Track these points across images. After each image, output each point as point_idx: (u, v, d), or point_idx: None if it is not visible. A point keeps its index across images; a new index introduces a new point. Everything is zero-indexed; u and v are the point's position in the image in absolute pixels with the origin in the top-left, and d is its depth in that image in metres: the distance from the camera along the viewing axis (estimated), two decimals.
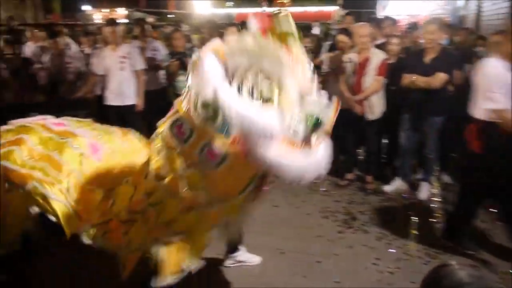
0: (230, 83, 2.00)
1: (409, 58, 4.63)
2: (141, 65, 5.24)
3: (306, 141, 2.04)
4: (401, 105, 4.58)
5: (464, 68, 4.89)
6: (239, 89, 1.99)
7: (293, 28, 2.07)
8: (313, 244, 3.67)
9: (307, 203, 4.52)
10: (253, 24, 2.10)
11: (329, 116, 2.10)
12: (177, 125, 2.19)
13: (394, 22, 5.84)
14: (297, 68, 2.07)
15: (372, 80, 4.55)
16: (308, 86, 2.10)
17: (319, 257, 3.46)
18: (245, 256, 3.37)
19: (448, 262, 1.06)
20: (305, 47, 5.21)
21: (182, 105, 2.17)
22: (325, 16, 18.70)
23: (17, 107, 5.56)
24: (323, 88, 4.94)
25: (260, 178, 2.24)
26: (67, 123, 2.97)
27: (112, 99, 5.19)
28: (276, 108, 1.97)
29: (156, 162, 2.30)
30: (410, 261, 3.42)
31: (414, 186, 4.84)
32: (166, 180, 2.25)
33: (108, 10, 21.24)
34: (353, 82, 4.64)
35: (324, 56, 5.29)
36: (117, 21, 6.27)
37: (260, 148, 1.93)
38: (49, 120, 2.98)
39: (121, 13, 20.52)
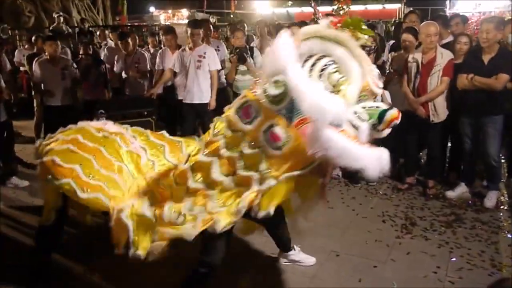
0: (302, 65, 2.02)
1: (467, 58, 4.41)
2: (216, 65, 5.41)
3: (367, 137, 2.06)
4: (460, 108, 4.39)
5: None
6: (310, 72, 2.02)
7: (363, 26, 2.13)
8: (370, 248, 3.59)
9: (364, 206, 4.43)
10: (325, 21, 2.16)
11: (391, 116, 2.09)
12: (244, 107, 2.29)
13: (463, 20, 5.54)
14: (367, 64, 2.10)
15: (437, 81, 4.37)
16: (375, 84, 2.13)
17: (375, 262, 3.38)
18: (300, 256, 3.37)
19: (506, 277, 1.02)
20: (368, 47, 5.14)
21: (251, 91, 2.28)
22: (388, 14, 18.16)
23: (87, 104, 5.92)
24: (385, 89, 4.91)
25: (318, 166, 2.23)
26: (124, 131, 3.17)
27: (188, 97, 5.41)
28: (343, 98, 1.98)
29: (214, 144, 2.38)
30: (474, 271, 3.26)
31: (479, 193, 4.61)
32: (224, 157, 2.32)
33: (171, 11, 21.96)
34: (417, 83, 4.48)
35: (388, 55, 5.14)
36: (177, 25, 6.51)
37: (323, 135, 1.92)
38: (109, 125, 3.20)
39: (184, 14, 21.15)
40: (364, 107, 2.12)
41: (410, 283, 3.11)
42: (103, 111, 5.24)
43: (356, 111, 2.07)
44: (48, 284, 3.12)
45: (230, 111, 2.37)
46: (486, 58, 4.17)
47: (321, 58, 2.06)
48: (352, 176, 5.03)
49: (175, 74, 5.65)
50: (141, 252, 2.46)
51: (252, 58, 5.54)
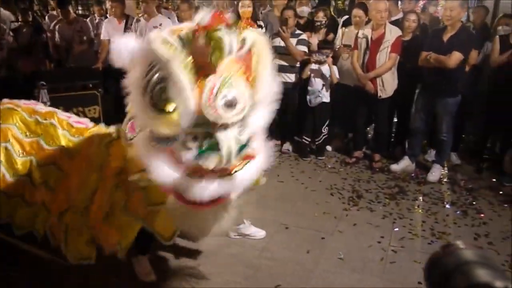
0: (144, 74, 1.81)
1: (428, 36, 4.50)
2: None
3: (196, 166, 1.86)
4: (414, 85, 4.50)
5: (484, 47, 4.80)
6: (148, 83, 1.79)
7: (224, 42, 1.78)
8: (318, 221, 3.68)
9: (313, 180, 4.51)
10: (203, 18, 1.83)
11: (226, 156, 1.82)
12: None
13: None
14: (207, 86, 1.76)
15: (385, 58, 4.46)
16: (215, 112, 1.77)
17: (323, 234, 3.47)
18: (250, 230, 3.40)
19: (453, 242, 1.05)
20: (319, 21, 5.14)
21: None
22: None
23: (27, 76, 5.57)
24: (335, 64, 4.94)
25: None
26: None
27: None
28: (169, 122, 1.79)
29: None
30: (415, 240, 3.42)
31: (421, 166, 4.82)
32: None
33: None
34: (367, 59, 4.55)
35: (339, 31, 5.18)
36: None
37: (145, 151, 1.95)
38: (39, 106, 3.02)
39: None
40: (206, 134, 1.85)
41: (356, 253, 3.22)
42: (44, 83, 4.95)
43: (186, 138, 1.85)
44: None
45: None
46: (446, 37, 4.21)
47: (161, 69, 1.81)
48: (302, 151, 5.10)
49: None
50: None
51: None
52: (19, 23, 6.28)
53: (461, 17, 4.32)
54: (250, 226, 3.42)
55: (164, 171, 1.91)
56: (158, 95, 1.78)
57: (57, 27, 5.95)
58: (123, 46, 2.02)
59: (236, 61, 1.82)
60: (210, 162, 1.82)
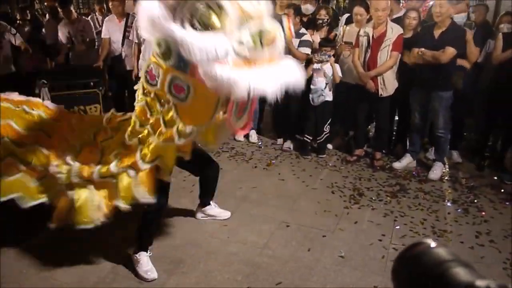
0: (172, 17, 2.08)
1: (420, 33, 4.51)
2: None
3: (256, 58, 2.10)
4: (410, 81, 4.51)
5: (486, 45, 4.80)
6: (182, 22, 2.07)
7: None
8: (319, 219, 3.67)
9: (314, 178, 4.51)
10: None
11: (274, 28, 2.14)
12: (148, 70, 2.43)
13: None
14: None
15: (387, 56, 4.45)
16: (251, 8, 2.11)
17: (324, 232, 3.47)
18: (216, 211, 3.60)
19: (422, 240, 1.02)
20: (322, 19, 5.11)
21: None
22: None
23: (27, 74, 5.56)
24: (336, 62, 4.92)
25: (226, 101, 2.38)
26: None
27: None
28: (218, 31, 2.04)
29: (138, 109, 2.59)
30: (416, 238, 3.41)
31: (423, 164, 4.81)
32: (150, 122, 2.52)
33: None
34: (368, 57, 4.54)
35: (341, 28, 5.17)
36: None
37: (212, 72, 2.04)
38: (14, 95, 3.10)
39: None
40: (251, 33, 2.11)
41: (357, 251, 3.22)
42: (45, 81, 4.96)
43: (240, 40, 2.08)
44: None
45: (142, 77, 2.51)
46: (437, 33, 4.23)
47: (188, 3, 2.09)
48: (303, 149, 5.10)
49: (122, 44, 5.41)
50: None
51: None
52: (18, 21, 6.28)
53: (451, 13, 4.32)
54: (215, 207, 3.61)
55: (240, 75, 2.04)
56: (198, 20, 2.04)
57: (59, 26, 5.95)
58: (147, 10, 2.11)
59: None
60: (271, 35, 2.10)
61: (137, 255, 2.89)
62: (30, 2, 7.91)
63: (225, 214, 3.63)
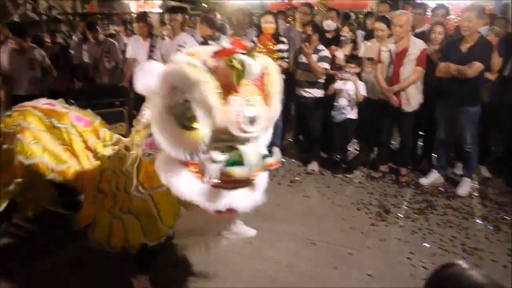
0: (166, 95, 2.05)
1: (446, 47, 4.46)
2: None
3: (221, 176, 2.04)
4: (436, 96, 4.45)
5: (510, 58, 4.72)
6: (171, 105, 2.05)
7: (245, 66, 2.01)
8: (345, 236, 3.63)
9: (339, 195, 4.46)
10: (223, 43, 2.09)
11: (249, 167, 2.02)
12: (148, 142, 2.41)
13: (447, 11, 5.51)
14: (234, 107, 2.00)
15: (410, 71, 4.41)
16: (239, 129, 2.01)
17: (351, 249, 3.41)
18: (240, 228, 3.42)
19: (455, 262, 0.99)
20: (345, 36, 5.11)
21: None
22: (360, 5, 18.27)
23: (56, 94, 5.72)
24: (360, 79, 4.92)
25: None
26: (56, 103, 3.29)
27: None
28: (194, 138, 2.02)
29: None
30: (446, 256, 3.33)
31: (450, 179, 4.72)
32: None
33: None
34: (390, 72, 4.52)
35: (362, 44, 5.16)
36: (149, 13, 6.35)
37: (166, 166, 2.13)
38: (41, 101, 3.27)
39: (156, 2, 20.71)
40: (231, 147, 2.08)
41: (385, 269, 3.15)
42: (72, 101, 5.07)
43: (210, 153, 2.04)
44: None
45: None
46: (464, 47, 4.19)
47: (183, 96, 2.03)
48: (332, 167, 5.04)
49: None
50: None
51: None
52: (47, 44, 6.48)
53: (479, 28, 4.27)
54: (240, 225, 3.46)
55: (189, 184, 2.10)
56: (182, 114, 2.03)
57: (85, 47, 6.14)
58: (148, 71, 2.17)
59: (254, 83, 2.11)
60: (238, 172, 2.00)
61: (136, 277, 2.79)
62: (58, 25, 8.18)
63: (250, 231, 3.59)
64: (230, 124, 2.00)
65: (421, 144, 5.24)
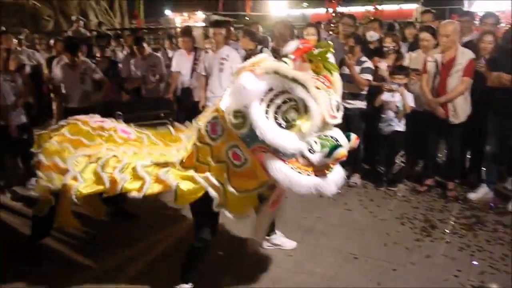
0: (262, 100, 2.24)
1: (498, 56, 4.29)
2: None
3: (320, 166, 2.32)
4: (487, 107, 4.29)
5: None
6: (268, 108, 2.24)
7: (330, 57, 2.38)
8: (389, 251, 3.54)
9: (382, 208, 4.37)
10: (294, 45, 2.40)
11: (338, 155, 2.28)
12: (212, 123, 2.56)
13: (496, 20, 5.29)
14: (325, 97, 2.31)
15: (457, 82, 4.29)
16: (331, 116, 2.33)
17: (394, 265, 3.33)
18: (281, 240, 3.58)
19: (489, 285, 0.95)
20: (388, 47, 5.04)
21: (221, 106, 2.47)
22: (405, 15, 17.96)
23: (105, 106, 5.97)
24: (409, 90, 4.76)
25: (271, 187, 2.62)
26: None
27: (211, 99, 5.33)
28: (296, 132, 2.24)
29: (187, 152, 2.77)
30: (496, 275, 3.18)
31: (501, 195, 4.51)
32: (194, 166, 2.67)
33: (186, 14, 22.12)
34: (437, 83, 4.41)
35: (406, 55, 5.07)
36: (193, 28, 6.55)
37: (272, 164, 2.28)
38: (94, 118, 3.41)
39: (199, 17, 21.26)
40: (320, 136, 2.33)
41: (430, 287, 3.05)
42: (120, 113, 5.28)
43: (309, 142, 2.30)
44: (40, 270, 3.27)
45: (201, 122, 2.66)
46: None
47: (280, 93, 2.25)
48: (376, 180, 4.96)
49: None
50: None
51: None
52: (98, 58, 6.78)
53: None
54: (281, 236, 3.58)
55: (299, 178, 2.30)
56: (282, 115, 2.24)
57: (132, 61, 6.38)
58: (247, 83, 2.27)
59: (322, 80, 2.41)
60: (340, 153, 2.27)
61: (177, 287, 2.89)
62: (108, 40, 8.54)
63: (291, 243, 3.61)
64: (325, 114, 2.29)
65: (470, 157, 5.05)
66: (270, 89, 2.24)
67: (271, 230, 3.56)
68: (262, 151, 2.32)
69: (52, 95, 6.67)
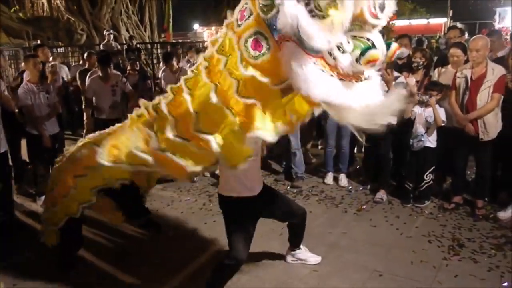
0: None
1: None
2: None
3: (348, 72, 2.02)
4: None
5: None
6: None
7: None
8: (415, 269, 3.48)
9: (409, 225, 4.30)
10: None
11: (371, 56, 2.00)
12: (242, 9, 2.26)
13: None
14: None
15: (487, 98, 4.22)
16: (372, 14, 2.01)
17: (421, 284, 3.27)
18: (306, 255, 3.57)
19: None
20: (417, 62, 4.97)
21: None
22: (433, 29, 17.78)
23: None
24: (440, 106, 4.65)
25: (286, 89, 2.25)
26: None
27: None
28: (328, 24, 1.91)
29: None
30: None
31: None
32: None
33: (214, 28, 22.48)
34: (466, 99, 4.34)
35: (435, 71, 5.02)
36: None
37: (292, 54, 1.96)
38: None
39: None
40: (355, 36, 2.04)
41: None
42: None
43: (341, 41, 1.99)
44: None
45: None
46: None
47: None
48: (403, 196, 4.89)
49: None
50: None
51: None
52: (128, 71, 6.98)
53: None
54: (306, 251, 3.57)
55: (318, 75, 1.98)
56: (314, 1, 1.91)
57: (162, 75, 6.54)
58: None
59: None
60: (373, 54, 1.99)
61: None
62: (137, 54, 8.79)
63: (316, 258, 3.60)
64: (365, 9, 1.98)
65: (500, 174, 4.92)
66: None
67: (296, 245, 3.55)
68: (286, 41, 2.02)
69: (83, 106, 6.87)
